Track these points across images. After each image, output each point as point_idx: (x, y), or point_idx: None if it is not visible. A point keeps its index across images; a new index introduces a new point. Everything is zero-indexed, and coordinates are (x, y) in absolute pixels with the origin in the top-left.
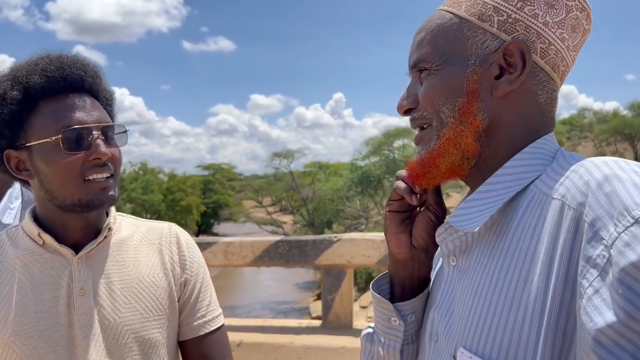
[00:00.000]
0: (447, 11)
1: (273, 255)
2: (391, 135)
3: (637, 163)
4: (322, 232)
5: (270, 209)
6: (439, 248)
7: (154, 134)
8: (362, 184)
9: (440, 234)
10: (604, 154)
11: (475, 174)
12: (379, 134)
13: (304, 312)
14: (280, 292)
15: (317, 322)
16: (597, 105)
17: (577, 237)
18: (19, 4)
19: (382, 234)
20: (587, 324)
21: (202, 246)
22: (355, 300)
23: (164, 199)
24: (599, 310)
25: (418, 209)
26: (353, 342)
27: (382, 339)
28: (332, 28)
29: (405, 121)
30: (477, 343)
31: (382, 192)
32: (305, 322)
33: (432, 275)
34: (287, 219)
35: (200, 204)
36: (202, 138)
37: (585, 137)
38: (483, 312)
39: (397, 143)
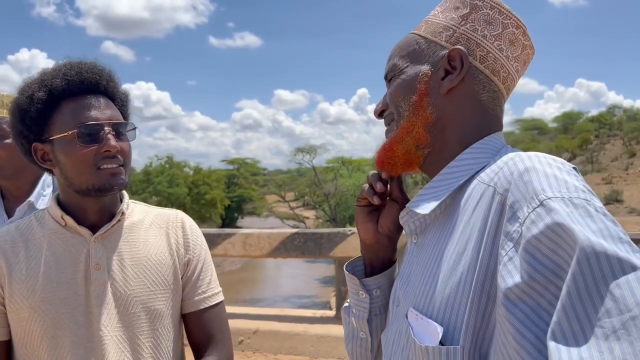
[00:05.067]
0: (411, 33)
1: (289, 247)
2: None
3: (554, 157)
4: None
5: (293, 204)
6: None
7: (180, 128)
8: None
9: (402, 217)
10: (633, 153)
11: (432, 165)
12: None
13: (325, 306)
14: (301, 286)
15: (331, 313)
16: (627, 103)
17: (501, 216)
18: (51, 1)
19: None
20: (501, 284)
21: (222, 237)
22: None
23: (189, 192)
24: (510, 274)
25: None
26: None
27: (354, 310)
28: (358, 23)
29: None
30: (423, 304)
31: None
32: (320, 313)
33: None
34: (310, 214)
35: (224, 197)
36: (227, 133)
37: (614, 135)
38: (430, 279)
39: None
